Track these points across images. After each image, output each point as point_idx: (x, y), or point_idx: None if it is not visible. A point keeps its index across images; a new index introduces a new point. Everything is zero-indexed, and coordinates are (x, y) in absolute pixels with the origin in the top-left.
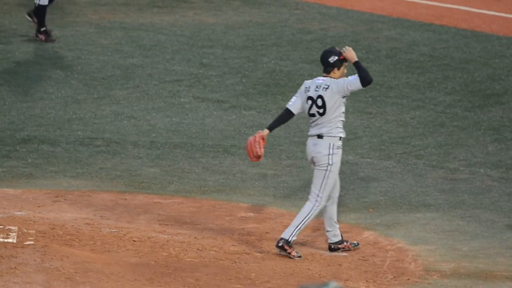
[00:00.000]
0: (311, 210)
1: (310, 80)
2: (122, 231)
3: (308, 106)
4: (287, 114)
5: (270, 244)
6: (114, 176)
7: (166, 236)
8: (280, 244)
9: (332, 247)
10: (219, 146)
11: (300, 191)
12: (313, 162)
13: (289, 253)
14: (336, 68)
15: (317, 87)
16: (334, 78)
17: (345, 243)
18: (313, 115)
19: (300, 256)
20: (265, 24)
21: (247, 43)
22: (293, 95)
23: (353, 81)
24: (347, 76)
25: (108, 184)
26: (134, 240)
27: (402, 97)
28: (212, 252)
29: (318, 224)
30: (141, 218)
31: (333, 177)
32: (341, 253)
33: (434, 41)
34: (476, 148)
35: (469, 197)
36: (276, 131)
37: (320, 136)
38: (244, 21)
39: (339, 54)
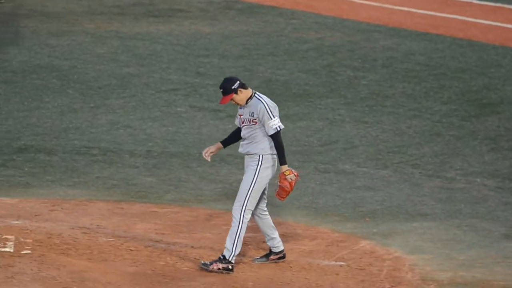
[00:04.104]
0: None
1: (260, 95)
2: (119, 240)
3: None
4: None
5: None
6: (110, 185)
7: (163, 245)
8: None
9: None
10: (215, 155)
11: (296, 200)
12: None
13: None
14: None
15: None
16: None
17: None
18: None
19: None
20: (261, 33)
21: (243, 52)
22: (274, 114)
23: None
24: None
25: (105, 193)
26: (131, 249)
27: (398, 106)
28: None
29: (315, 233)
30: (138, 227)
31: None
32: (338, 262)
33: (430, 50)
34: (472, 157)
35: (466, 207)
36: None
37: None
38: (241, 31)
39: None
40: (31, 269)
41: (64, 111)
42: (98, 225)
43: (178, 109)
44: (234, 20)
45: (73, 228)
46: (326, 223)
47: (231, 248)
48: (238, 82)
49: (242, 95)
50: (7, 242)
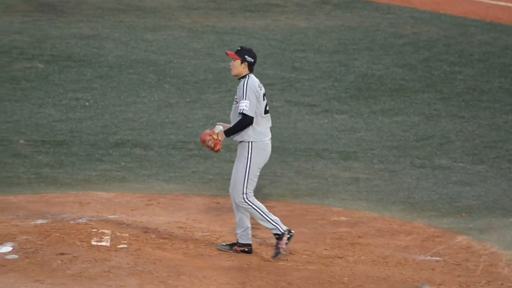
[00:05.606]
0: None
1: (250, 78)
2: (214, 234)
3: (264, 103)
4: (250, 122)
5: (362, 248)
6: (206, 180)
7: (258, 240)
8: None
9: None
10: (311, 150)
11: (392, 195)
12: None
13: None
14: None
15: (259, 85)
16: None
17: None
18: (267, 112)
19: None
20: (357, 28)
21: (339, 47)
22: (247, 96)
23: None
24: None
25: (201, 188)
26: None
27: (495, 101)
28: (305, 256)
29: (410, 228)
30: (234, 222)
31: None
32: (431, 257)
33: None
34: None
35: None
36: (369, 135)
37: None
38: (336, 25)
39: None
40: (128, 263)
41: (161, 106)
42: (194, 220)
43: (274, 103)
44: (330, 15)
45: (169, 223)
46: (422, 218)
47: (273, 226)
48: (253, 60)
49: (240, 68)
50: (103, 237)
